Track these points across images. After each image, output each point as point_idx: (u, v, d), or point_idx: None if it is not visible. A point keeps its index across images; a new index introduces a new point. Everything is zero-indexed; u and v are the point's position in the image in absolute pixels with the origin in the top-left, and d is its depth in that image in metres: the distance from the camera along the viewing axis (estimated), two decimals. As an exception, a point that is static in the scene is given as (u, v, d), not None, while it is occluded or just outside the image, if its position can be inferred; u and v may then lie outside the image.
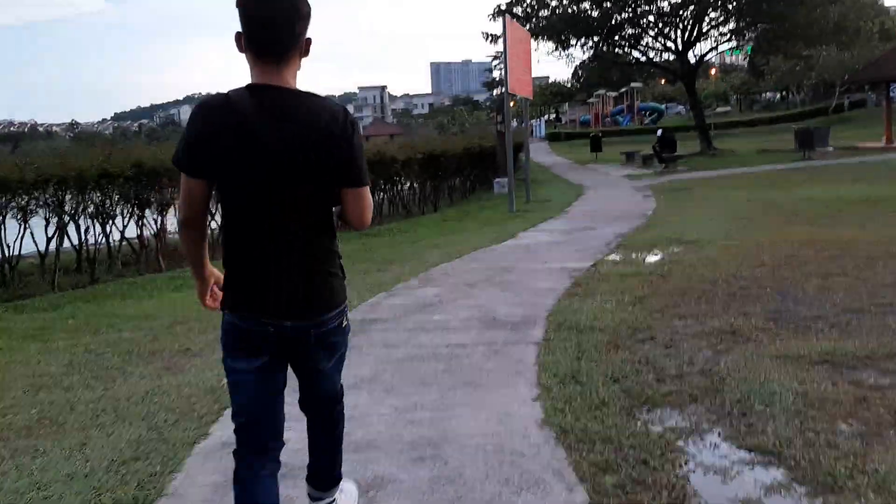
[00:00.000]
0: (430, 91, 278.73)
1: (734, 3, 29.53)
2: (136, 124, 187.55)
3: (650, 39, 32.71)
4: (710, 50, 34.31)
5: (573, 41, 31.16)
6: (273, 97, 2.13)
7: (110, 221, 9.86)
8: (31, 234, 8.96)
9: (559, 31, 30.07)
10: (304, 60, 2.25)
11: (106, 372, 4.92)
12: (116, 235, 10.15)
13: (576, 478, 3.00)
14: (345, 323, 2.38)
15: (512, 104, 20.01)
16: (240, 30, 2.16)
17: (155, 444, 3.60)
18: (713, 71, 69.50)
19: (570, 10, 30.10)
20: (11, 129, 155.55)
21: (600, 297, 6.28)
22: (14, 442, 3.76)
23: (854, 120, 43.78)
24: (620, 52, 34.23)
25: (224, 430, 3.70)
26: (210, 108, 2.16)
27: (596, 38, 31.33)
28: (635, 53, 34.20)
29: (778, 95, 73.79)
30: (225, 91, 2.18)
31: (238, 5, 2.13)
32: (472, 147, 20.40)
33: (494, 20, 30.23)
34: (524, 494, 2.90)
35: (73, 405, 4.27)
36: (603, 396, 3.87)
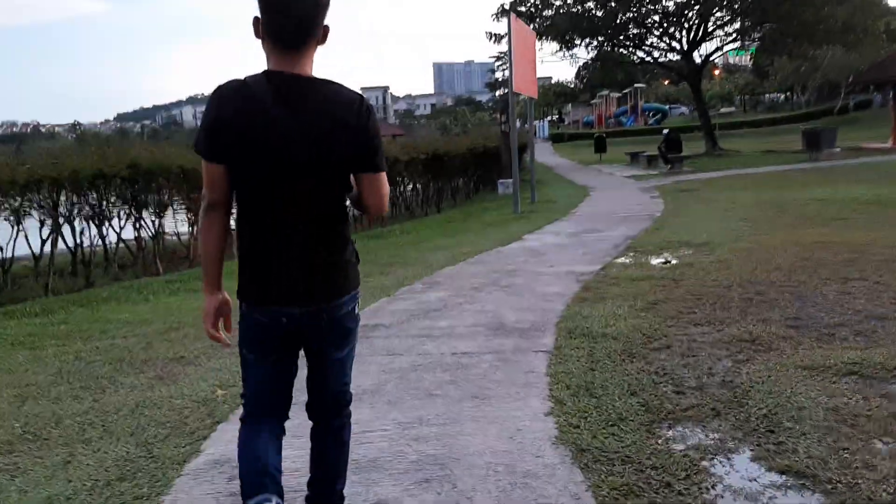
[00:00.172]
0: (432, 91, 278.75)
1: (740, 3, 29.24)
2: (138, 125, 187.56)
3: (655, 39, 32.46)
4: (716, 50, 34.10)
5: (577, 41, 30.90)
6: (290, 84, 2.12)
7: (106, 223, 9.63)
8: (26, 236, 8.73)
9: (563, 30, 29.79)
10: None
11: (95, 382, 4.69)
12: (113, 237, 9.92)
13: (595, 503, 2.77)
14: (357, 310, 2.38)
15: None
16: (257, 14, 2.13)
17: (143, 462, 3.38)
18: (717, 72, 69.16)
19: (574, 10, 29.81)
20: (14, 129, 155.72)
21: (611, 302, 6.06)
22: (-6, 459, 3.53)
23: (859, 121, 43.45)
24: (625, 52, 33.99)
25: (216, 447, 3.48)
26: (227, 93, 2.14)
27: (600, 38, 31.08)
28: (640, 53, 33.97)
29: (782, 96, 73.49)
30: (242, 77, 2.17)
31: None
32: (475, 147, 20.15)
33: (498, 20, 29.95)
34: (539, 522, 2.68)
35: (59, 418, 4.04)
36: (620, 411, 3.64)
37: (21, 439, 3.77)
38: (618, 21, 30.43)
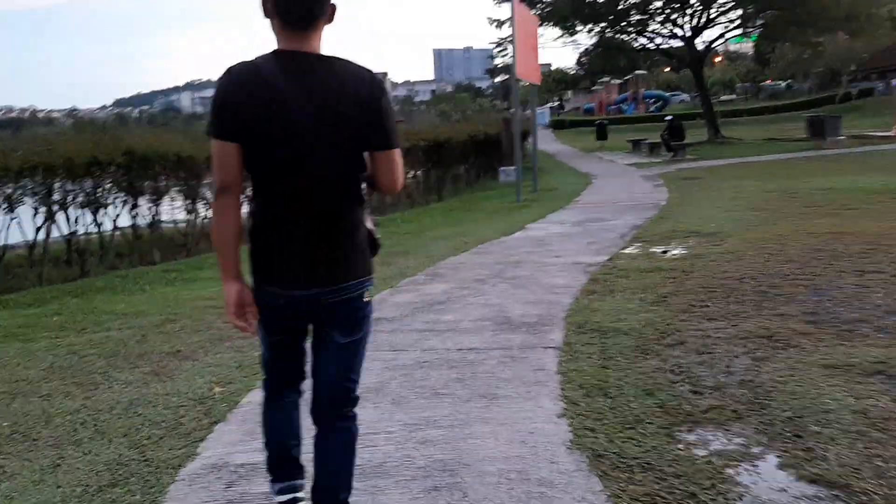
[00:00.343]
0: (432, 78, 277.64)
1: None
2: (136, 110, 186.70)
3: (657, 26, 32.13)
4: (719, 37, 33.76)
5: (579, 27, 30.60)
6: (300, 62, 2.12)
7: (102, 210, 9.43)
8: (19, 223, 8.53)
9: (565, 16, 29.49)
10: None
11: (88, 377, 4.51)
12: (108, 225, 9.72)
13: (616, 516, 2.60)
14: (367, 297, 2.33)
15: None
16: None
17: (136, 465, 3.21)
18: (717, 59, 68.71)
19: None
20: (11, 115, 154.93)
21: (620, 295, 5.88)
22: (-21, 461, 3.36)
23: (862, 109, 43.11)
24: (627, 38, 33.66)
25: (213, 450, 3.32)
26: (237, 73, 2.12)
27: (603, 24, 30.75)
28: (642, 40, 33.65)
29: (783, 84, 73.06)
30: (250, 59, 2.17)
31: None
32: (476, 134, 19.91)
33: (500, 5, 29.65)
34: (557, 536, 2.51)
35: (49, 417, 3.87)
36: (637, 413, 3.47)
37: (9, 440, 3.60)
38: (620, 7, 30.12)
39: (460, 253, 8.44)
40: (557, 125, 57.59)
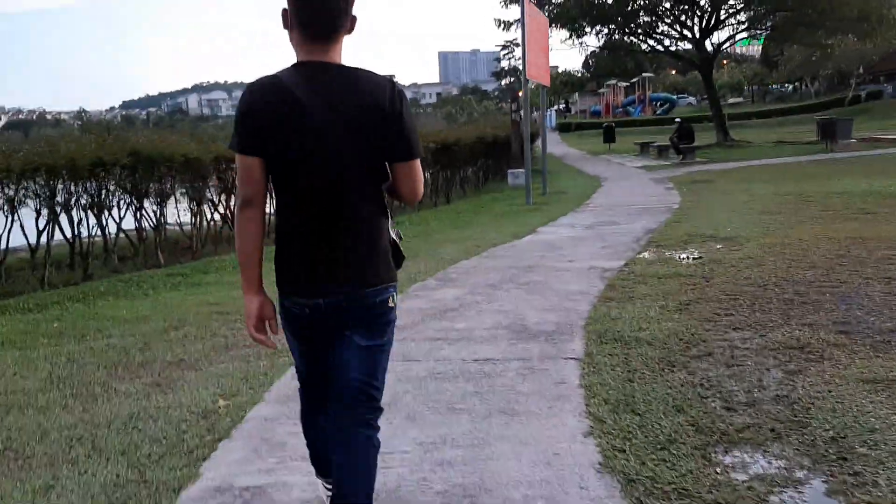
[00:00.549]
0: (438, 80, 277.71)
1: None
2: (144, 112, 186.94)
3: (666, 27, 31.89)
4: (728, 38, 33.48)
5: (588, 29, 30.36)
6: (321, 73, 2.11)
7: (106, 213, 9.24)
8: (21, 226, 8.35)
9: (573, 17, 29.26)
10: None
11: (87, 388, 4.32)
12: (113, 228, 9.53)
13: (655, 550, 2.39)
14: (391, 303, 2.28)
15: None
16: (286, 6, 2.12)
17: (134, 487, 3.00)
18: (725, 62, 68.39)
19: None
20: (20, 116, 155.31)
21: (640, 302, 5.67)
22: (-31, 481, 3.16)
23: (871, 111, 42.81)
24: (635, 40, 33.42)
25: (217, 470, 3.11)
26: (259, 87, 2.13)
27: (611, 26, 30.52)
28: (650, 42, 33.39)
29: (790, 87, 72.66)
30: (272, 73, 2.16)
31: None
32: (484, 136, 19.71)
33: (507, 6, 29.41)
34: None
35: (45, 431, 3.68)
36: (668, 431, 3.25)
37: (2, 457, 3.40)
38: (629, 8, 29.88)
39: (471, 257, 8.24)
40: (563, 128, 57.32)
